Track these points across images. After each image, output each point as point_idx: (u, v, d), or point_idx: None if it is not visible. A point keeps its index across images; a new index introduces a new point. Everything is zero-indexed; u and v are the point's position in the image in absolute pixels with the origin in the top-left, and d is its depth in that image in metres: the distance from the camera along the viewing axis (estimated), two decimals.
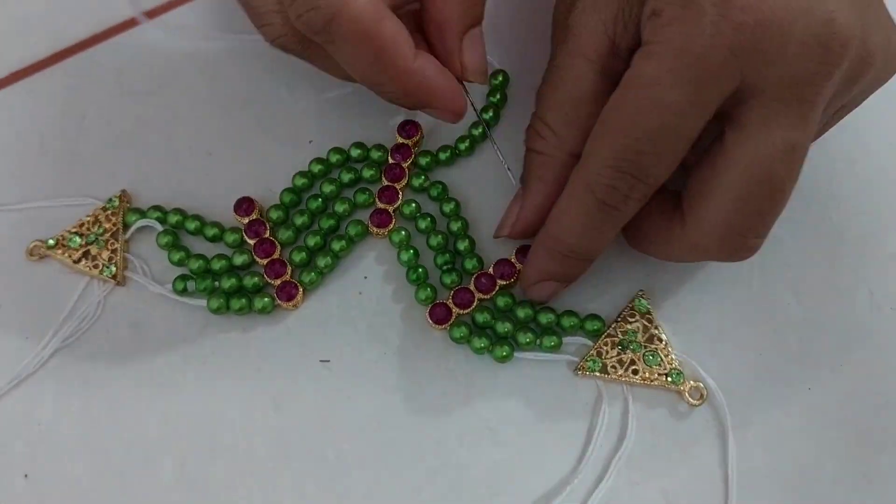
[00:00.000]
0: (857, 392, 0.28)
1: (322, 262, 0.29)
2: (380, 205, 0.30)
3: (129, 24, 0.34)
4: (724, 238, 0.25)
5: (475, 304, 0.28)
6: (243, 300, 0.29)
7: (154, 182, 0.32)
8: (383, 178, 0.30)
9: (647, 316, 0.29)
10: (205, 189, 0.31)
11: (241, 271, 0.30)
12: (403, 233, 0.29)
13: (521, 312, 0.28)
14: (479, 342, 0.28)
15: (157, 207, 0.31)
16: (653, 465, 0.27)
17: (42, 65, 0.34)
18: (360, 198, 0.30)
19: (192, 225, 0.30)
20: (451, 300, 0.29)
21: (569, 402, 0.28)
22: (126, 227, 0.31)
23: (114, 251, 0.30)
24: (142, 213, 0.31)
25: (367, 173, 0.31)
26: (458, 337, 0.28)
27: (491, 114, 0.31)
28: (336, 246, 0.30)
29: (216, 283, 0.29)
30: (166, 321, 0.29)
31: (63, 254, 0.30)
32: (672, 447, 0.27)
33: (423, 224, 0.30)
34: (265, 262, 0.29)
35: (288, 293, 0.29)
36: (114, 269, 0.30)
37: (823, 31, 0.22)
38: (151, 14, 0.34)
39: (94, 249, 0.30)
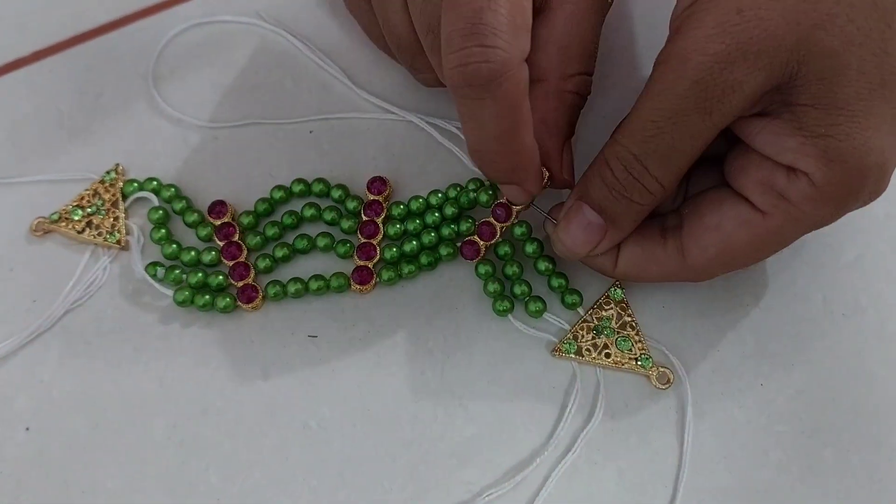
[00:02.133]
0: (807, 390, 0.30)
1: (293, 287, 0.31)
2: (359, 261, 0.31)
3: (148, 11, 0.36)
4: (710, 272, 0.28)
5: (498, 235, 0.31)
6: (207, 297, 0.31)
7: (163, 160, 0.33)
8: (359, 235, 0.32)
9: (622, 304, 0.31)
10: (210, 170, 0.33)
11: (209, 268, 0.31)
12: (392, 272, 0.31)
13: (530, 248, 0.31)
14: (493, 286, 0.30)
15: (152, 179, 0.33)
16: (614, 444, 0.29)
17: (64, 45, 0.36)
18: (341, 249, 0.31)
19: (178, 205, 0.32)
20: (476, 235, 0.31)
21: (542, 381, 0.30)
22: (124, 197, 0.32)
23: (116, 219, 0.32)
24: (139, 185, 0.33)
25: (344, 225, 0.32)
26: (483, 273, 0.31)
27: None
28: (313, 286, 0.31)
29: (184, 277, 0.31)
30: (166, 289, 0.31)
31: (67, 226, 0.32)
32: (635, 427, 0.29)
33: (408, 247, 0.31)
34: (231, 263, 0.31)
35: (248, 296, 0.31)
36: (118, 235, 0.32)
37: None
38: (171, 3, 0.36)
39: (96, 219, 0.32)
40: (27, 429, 0.30)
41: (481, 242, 0.31)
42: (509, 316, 0.30)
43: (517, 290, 0.31)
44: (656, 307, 0.31)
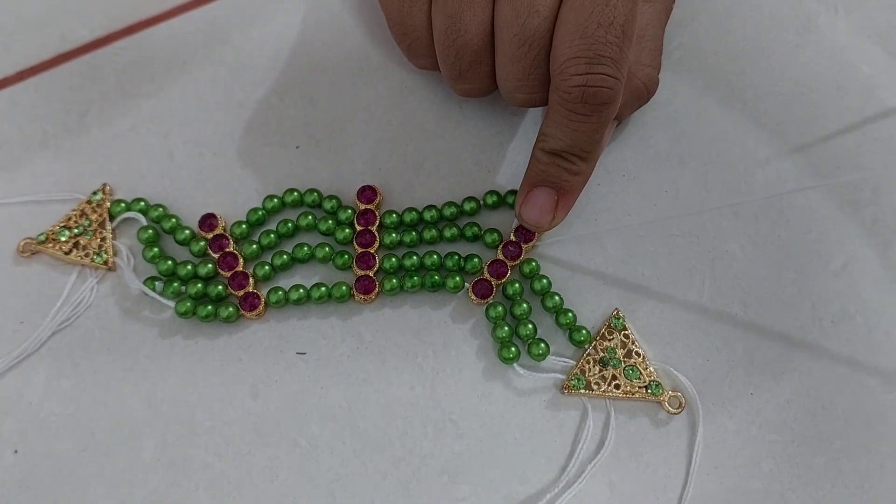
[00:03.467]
0: (796, 398, 0.30)
1: (295, 294, 0.31)
2: (359, 271, 0.31)
3: (131, 30, 0.36)
4: None
5: (508, 273, 0.31)
6: (209, 307, 0.31)
7: (149, 179, 0.33)
8: (355, 244, 0.32)
9: (625, 332, 0.30)
10: (196, 187, 0.33)
11: (206, 280, 0.31)
12: (395, 280, 0.31)
13: (538, 285, 0.31)
14: (503, 332, 0.30)
15: (139, 199, 0.33)
16: (611, 460, 0.29)
17: (48, 65, 0.36)
18: (339, 261, 0.31)
19: (167, 224, 0.32)
20: (487, 273, 0.31)
21: (532, 397, 0.30)
22: (112, 217, 0.32)
23: (103, 239, 0.32)
24: (127, 205, 0.33)
25: (339, 235, 0.32)
26: (494, 316, 0.30)
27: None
28: (315, 293, 0.31)
29: (183, 289, 0.31)
30: (154, 309, 0.31)
31: (54, 247, 0.32)
32: (639, 447, 0.29)
33: (409, 262, 0.31)
34: (229, 274, 0.31)
35: (251, 303, 0.31)
36: (105, 255, 0.32)
37: None
38: (154, 21, 0.36)
39: (83, 240, 0.32)
40: (15, 451, 0.30)
41: (494, 281, 0.31)
42: (514, 365, 0.30)
43: (522, 330, 0.30)
44: (645, 318, 0.31)
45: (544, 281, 0.31)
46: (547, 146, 0.29)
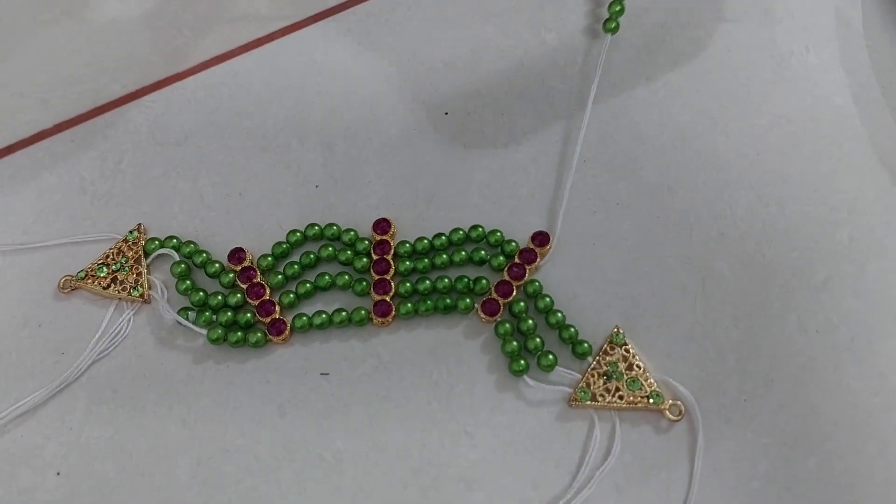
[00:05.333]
0: (787, 403, 0.32)
1: (318, 319, 0.33)
2: (376, 296, 0.34)
3: (160, 84, 0.40)
4: None
5: (514, 293, 0.33)
6: (239, 333, 0.33)
7: (181, 218, 0.36)
8: (372, 272, 0.34)
9: (625, 347, 0.33)
10: (225, 225, 0.36)
11: (236, 309, 0.34)
12: (409, 304, 0.34)
13: (542, 303, 0.33)
14: (512, 346, 0.32)
15: (172, 237, 0.35)
16: (629, 477, 0.31)
17: (84, 118, 0.39)
18: (358, 287, 0.34)
19: (199, 258, 0.35)
20: (494, 293, 0.33)
21: (540, 409, 0.32)
22: (147, 254, 0.35)
23: (139, 274, 0.34)
24: (160, 243, 0.35)
25: (357, 264, 0.35)
26: (502, 332, 0.33)
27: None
28: (337, 318, 0.33)
29: (214, 317, 0.34)
30: (187, 337, 0.34)
31: (93, 283, 0.34)
32: (649, 459, 0.31)
33: (422, 286, 0.34)
34: (257, 302, 0.34)
35: (278, 328, 0.33)
36: (141, 289, 0.34)
37: None
38: (182, 76, 0.39)
39: (120, 275, 0.34)
40: (58, 473, 0.31)
41: (501, 300, 0.33)
42: (525, 377, 0.32)
43: (530, 344, 0.32)
44: (644, 334, 0.33)
45: (547, 299, 0.33)
46: None
